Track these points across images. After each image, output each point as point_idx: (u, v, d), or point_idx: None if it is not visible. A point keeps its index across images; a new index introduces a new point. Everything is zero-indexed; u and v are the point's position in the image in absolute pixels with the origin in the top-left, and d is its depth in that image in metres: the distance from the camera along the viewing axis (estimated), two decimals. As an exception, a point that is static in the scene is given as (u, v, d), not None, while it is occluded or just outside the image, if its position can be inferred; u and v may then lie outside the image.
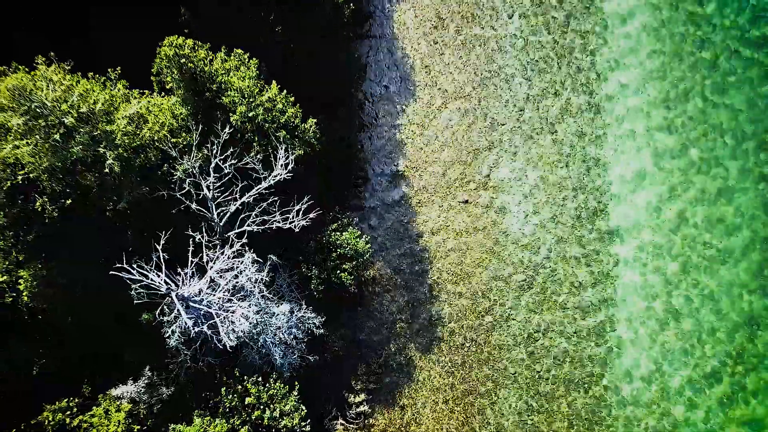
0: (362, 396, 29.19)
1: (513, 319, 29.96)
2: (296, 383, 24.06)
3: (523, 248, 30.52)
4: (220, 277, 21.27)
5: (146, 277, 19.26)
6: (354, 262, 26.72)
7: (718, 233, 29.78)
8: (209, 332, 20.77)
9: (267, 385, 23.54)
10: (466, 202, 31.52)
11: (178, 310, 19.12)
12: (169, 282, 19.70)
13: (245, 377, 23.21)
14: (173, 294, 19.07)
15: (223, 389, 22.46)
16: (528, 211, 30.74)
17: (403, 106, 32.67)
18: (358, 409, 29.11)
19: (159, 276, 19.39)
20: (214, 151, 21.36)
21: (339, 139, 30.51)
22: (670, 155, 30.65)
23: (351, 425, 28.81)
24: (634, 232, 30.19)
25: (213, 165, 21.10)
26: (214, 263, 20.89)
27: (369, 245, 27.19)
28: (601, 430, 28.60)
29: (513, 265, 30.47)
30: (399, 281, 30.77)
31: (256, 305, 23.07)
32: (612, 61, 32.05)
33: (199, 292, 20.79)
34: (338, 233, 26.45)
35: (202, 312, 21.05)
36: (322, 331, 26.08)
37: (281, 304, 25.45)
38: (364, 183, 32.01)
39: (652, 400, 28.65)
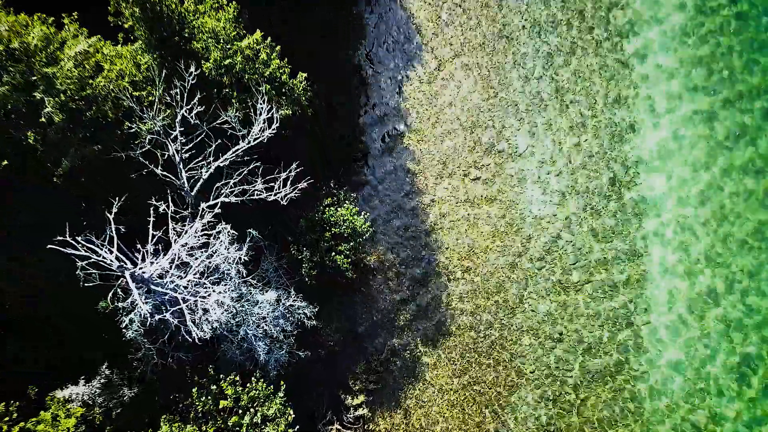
0: (361, 397, 25.56)
1: (532, 310, 26.27)
2: (282, 383, 20.42)
3: (543, 226, 26.81)
4: (189, 255, 17.62)
5: (95, 253, 15.62)
6: (351, 243, 23.03)
7: (753, 206, 25.94)
8: (175, 321, 17.13)
9: (248, 385, 19.88)
10: (478, 177, 27.80)
11: (133, 293, 15.46)
12: (123, 260, 16.04)
13: (221, 376, 19.57)
14: (127, 274, 15.42)
15: (194, 390, 18.82)
16: (547, 184, 27.01)
17: (408, 72, 28.94)
18: (356, 413, 25.47)
19: (111, 252, 15.75)
20: (182, 102, 17.65)
21: (337, 105, 26.81)
22: (704, 119, 26.77)
23: (348, 431, 25.17)
24: (666, 204, 26.38)
25: (179, 118, 17.39)
26: (180, 237, 17.23)
27: (369, 224, 23.50)
28: (628, 425, 24.96)
29: (531, 246, 26.77)
30: (403, 267, 27.09)
31: (234, 290, 19.42)
32: (638, 17, 28.23)
33: (164, 273, 17.14)
34: (333, 209, 22.75)
35: (166, 297, 17.41)
36: (314, 323, 22.42)
37: (266, 291, 21.80)
38: (364, 157, 28.31)
39: (686, 391, 24.94)
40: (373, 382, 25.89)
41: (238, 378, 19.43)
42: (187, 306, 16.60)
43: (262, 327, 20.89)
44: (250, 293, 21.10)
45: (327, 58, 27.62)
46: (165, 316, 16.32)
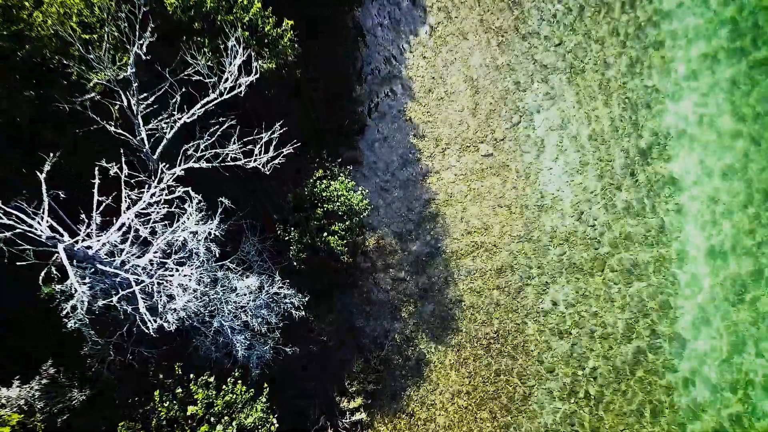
0: (359, 400, 22.37)
1: (553, 302, 23.08)
2: (265, 385, 17.22)
3: (559, 203, 23.60)
4: (148, 229, 14.41)
5: (22, 221, 12.43)
6: (347, 223, 19.83)
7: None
8: (128, 309, 13.94)
9: (225, 387, 16.69)
10: (491, 155, 24.61)
11: (69, 272, 12.25)
12: (60, 231, 12.84)
13: (192, 376, 16.37)
14: (60, 247, 12.21)
15: (156, 393, 15.60)
16: (566, 157, 23.81)
17: (411, 38, 25.75)
18: (353, 417, 22.29)
19: (42, 220, 12.55)
20: (135, 38, 14.42)
21: (332, 68, 23.58)
22: (735, 86, 23.55)
23: (344, 438, 22.00)
24: (696, 179, 23.17)
25: (132, 58, 14.14)
26: (134, 205, 14.03)
27: (367, 202, 20.29)
28: (657, 422, 21.76)
29: (547, 226, 23.58)
30: (406, 254, 23.89)
31: (205, 273, 16.21)
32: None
33: (116, 250, 13.94)
34: (325, 182, 19.54)
35: (117, 280, 14.21)
36: (303, 313, 19.21)
37: (247, 276, 18.59)
38: (360, 130, 25.10)
39: (720, 383, 21.75)
40: (372, 382, 22.73)
41: (212, 379, 16.23)
42: (141, 290, 13.38)
43: (242, 318, 17.69)
44: (227, 278, 17.91)
45: (322, 17, 24.43)
46: (112, 301, 13.11)
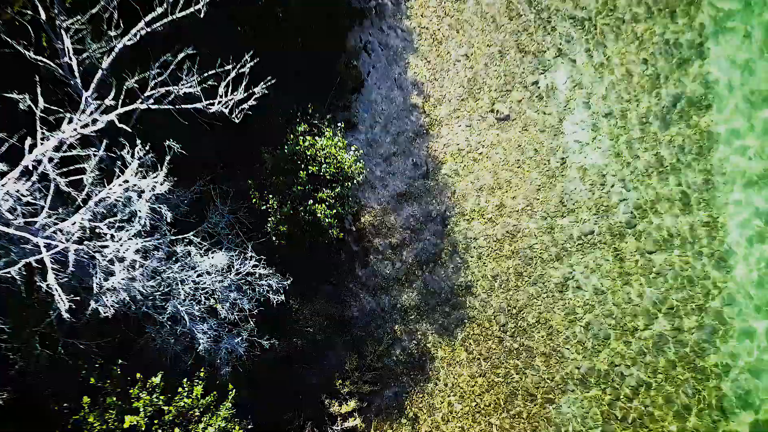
0: (352, 403, 18.91)
1: (577, 287, 19.63)
2: (230, 386, 13.74)
3: (587, 167, 20.13)
4: (70, 184, 10.92)
5: None
6: (337, 189, 16.34)
7: None
8: (41, 285, 10.43)
9: (181, 390, 13.21)
10: (507, 117, 21.10)
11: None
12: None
13: (139, 376, 12.85)
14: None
15: (85, 399, 12.07)
16: (592, 114, 20.32)
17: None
18: (345, 424, 18.85)
19: None
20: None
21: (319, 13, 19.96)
22: None
23: (334, 449, 18.57)
24: (747, 132, 19.67)
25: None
26: (55, 149, 10.51)
27: (362, 164, 16.78)
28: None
29: (575, 200, 20.11)
30: (408, 233, 20.42)
31: (157, 242, 12.73)
32: None
33: (19, 205, 10.42)
34: (310, 139, 15.99)
35: (28, 247, 10.69)
36: (282, 298, 15.73)
37: (215, 252, 15.07)
38: (356, 91, 21.56)
39: None
40: (368, 382, 19.28)
41: (157, 379, 12.71)
42: (48, 255, 9.86)
43: (204, 302, 14.19)
44: (189, 253, 14.41)
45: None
46: (9, 273, 9.59)
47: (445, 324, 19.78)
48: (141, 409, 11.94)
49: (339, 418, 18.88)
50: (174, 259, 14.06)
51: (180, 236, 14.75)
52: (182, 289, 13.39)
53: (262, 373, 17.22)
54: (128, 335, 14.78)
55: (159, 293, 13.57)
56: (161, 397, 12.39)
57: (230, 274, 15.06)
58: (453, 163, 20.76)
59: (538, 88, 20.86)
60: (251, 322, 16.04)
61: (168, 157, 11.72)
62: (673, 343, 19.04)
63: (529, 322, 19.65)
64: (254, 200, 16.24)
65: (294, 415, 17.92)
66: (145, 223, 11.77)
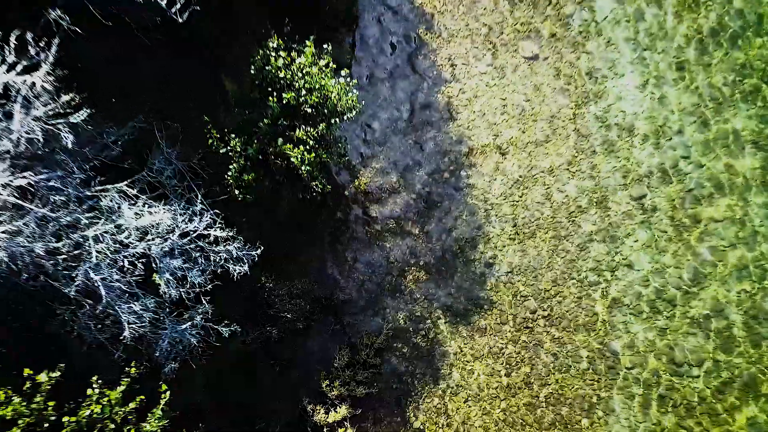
0: (342, 410, 14.91)
1: (624, 264, 15.56)
2: (163, 388, 9.72)
3: (638, 134, 16.06)
4: None
5: None
6: (321, 126, 12.27)
7: None
8: None
9: (90, 392, 9.21)
10: (536, 57, 17.07)
11: None
12: None
13: (26, 373, 8.84)
14: None
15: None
16: (645, 70, 16.25)
17: None
18: (333, 436, 14.86)
19: None
20: None
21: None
22: None
23: (319, 468, 14.52)
24: None
25: None
26: None
27: (356, 94, 12.71)
28: None
29: (620, 164, 16.03)
30: (414, 196, 16.40)
31: (47, 180, 8.74)
32: None
33: None
34: (284, 55, 11.90)
35: None
36: (245, 269, 11.70)
37: (154, 207, 11.03)
38: (349, 25, 17.53)
39: None
40: (363, 383, 15.26)
41: (44, 377, 8.67)
42: None
43: (131, 270, 10.16)
44: (111, 200, 10.38)
45: None
46: None
47: (460, 310, 15.74)
48: (11, 415, 7.90)
49: (326, 429, 14.86)
50: (82, 204, 10.02)
51: (106, 186, 10.76)
52: (94, 249, 9.35)
53: (223, 373, 13.19)
54: (31, 317, 10.77)
55: (64, 256, 9.55)
56: (50, 404, 8.37)
57: (173, 235, 11.03)
58: (469, 112, 16.73)
59: (574, 21, 16.80)
60: (205, 303, 12.04)
61: (55, 46, 7.67)
62: None
63: (562, 311, 15.60)
64: (211, 141, 12.20)
65: (265, 426, 13.87)
66: (18, 141, 7.73)
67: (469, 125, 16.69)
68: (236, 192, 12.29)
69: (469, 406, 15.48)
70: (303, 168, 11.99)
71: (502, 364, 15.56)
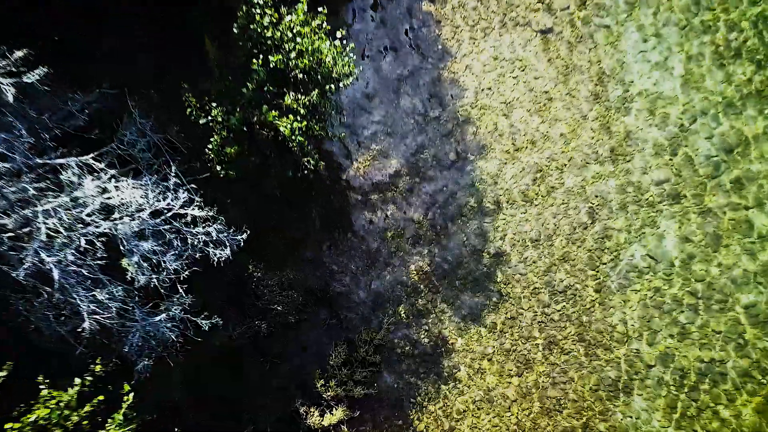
0: (338, 412, 13.55)
1: (652, 256, 14.15)
2: (125, 388, 8.38)
3: (663, 114, 14.63)
4: None
5: None
6: (314, 93, 10.90)
7: None
8: None
9: (45, 393, 7.87)
10: (550, 30, 15.65)
11: None
12: None
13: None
14: None
15: None
16: (668, 43, 14.81)
17: None
18: (328, 440, 13.49)
19: None
20: None
21: None
22: None
23: (313, 476, 13.16)
24: None
25: None
26: None
27: (352, 59, 11.33)
28: None
29: (643, 147, 14.61)
30: (417, 179, 15.01)
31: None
32: None
33: None
34: (270, 13, 10.51)
35: None
36: (226, 253, 10.35)
37: (123, 180, 9.68)
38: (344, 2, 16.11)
39: None
40: (360, 382, 13.90)
41: (2, 372, 7.35)
42: None
43: (88, 249, 8.82)
44: (73, 173, 9.01)
45: None
46: None
47: (467, 303, 14.36)
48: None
49: (319, 433, 13.51)
50: (43, 180, 8.66)
51: (68, 159, 9.39)
52: (43, 225, 7.98)
53: (204, 371, 11.83)
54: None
55: (11, 234, 8.19)
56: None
57: (143, 213, 9.65)
58: (477, 91, 15.33)
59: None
60: (184, 294, 10.68)
61: None
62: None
63: (580, 308, 14.22)
64: (190, 111, 10.82)
65: (253, 422, 12.51)
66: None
67: (476, 104, 15.29)
68: (218, 168, 10.91)
69: (475, 408, 14.12)
70: (293, 139, 10.60)
71: (510, 360, 14.19)
